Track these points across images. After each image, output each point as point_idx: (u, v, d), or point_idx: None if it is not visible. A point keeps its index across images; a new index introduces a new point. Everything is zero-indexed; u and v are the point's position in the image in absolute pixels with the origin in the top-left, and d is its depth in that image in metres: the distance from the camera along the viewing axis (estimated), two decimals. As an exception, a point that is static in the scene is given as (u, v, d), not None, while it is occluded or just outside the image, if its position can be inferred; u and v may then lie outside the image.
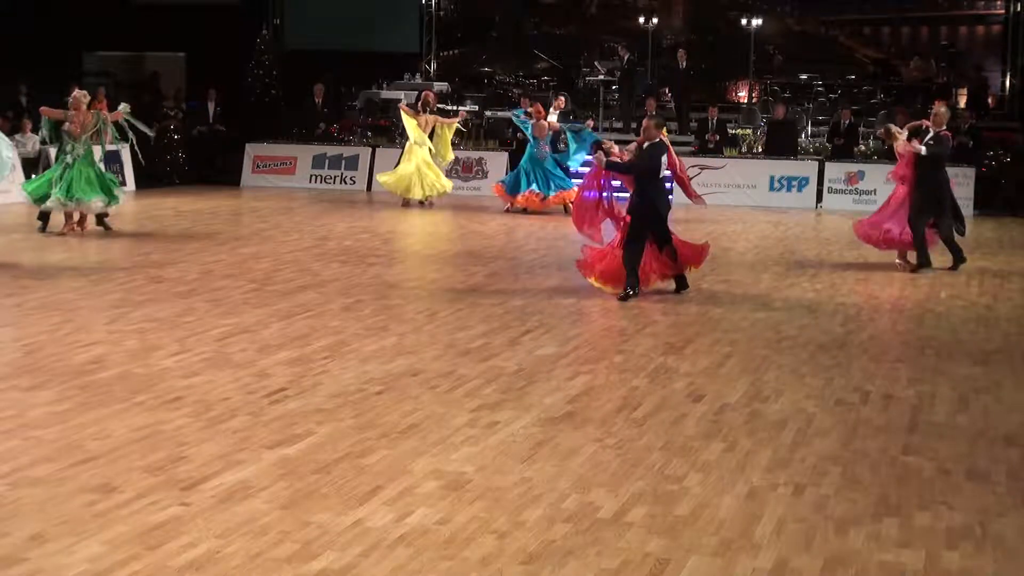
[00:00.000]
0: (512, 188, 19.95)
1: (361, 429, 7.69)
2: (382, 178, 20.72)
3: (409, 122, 20.35)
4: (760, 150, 23.02)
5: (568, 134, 19.77)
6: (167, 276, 13.21)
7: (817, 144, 23.29)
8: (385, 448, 7.31)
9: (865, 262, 15.45)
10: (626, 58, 25.24)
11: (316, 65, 24.97)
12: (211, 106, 24.24)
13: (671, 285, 12.77)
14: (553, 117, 20.51)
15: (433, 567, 5.61)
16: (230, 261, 14.26)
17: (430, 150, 20.44)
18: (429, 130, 20.40)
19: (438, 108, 21.42)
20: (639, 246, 12.33)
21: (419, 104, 20.71)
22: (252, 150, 23.42)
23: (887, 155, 21.86)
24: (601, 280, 12.54)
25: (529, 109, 20.35)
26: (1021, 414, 8.53)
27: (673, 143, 13.54)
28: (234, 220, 18.60)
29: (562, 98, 21.95)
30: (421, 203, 20.40)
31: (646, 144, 12.46)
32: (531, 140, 19.83)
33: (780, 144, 22.49)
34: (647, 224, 12.36)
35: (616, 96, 26.35)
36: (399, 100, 25.40)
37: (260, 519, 6.11)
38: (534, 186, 19.81)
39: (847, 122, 22.40)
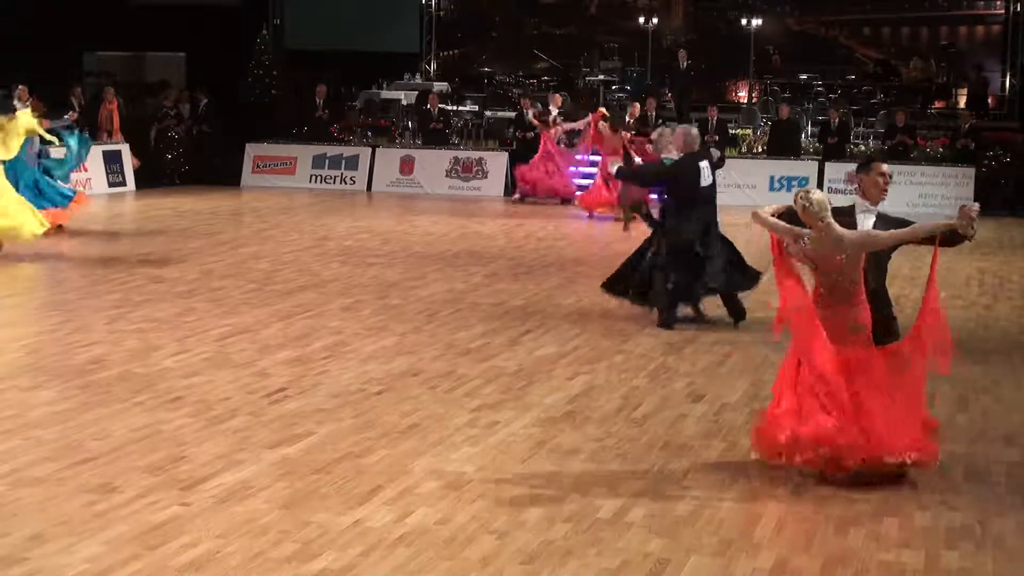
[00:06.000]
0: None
1: (361, 429, 7.69)
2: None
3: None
4: (761, 150, 23.02)
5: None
6: (167, 276, 13.19)
7: (817, 144, 23.28)
8: (385, 448, 7.31)
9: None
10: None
11: (316, 65, 24.94)
12: (186, 108, 24.00)
13: None
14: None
15: (433, 567, 5.61)
16: (230, 261, 14.25)
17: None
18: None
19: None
20: None
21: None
22: (252, 150, 23.37)
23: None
24: None
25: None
26: (1021, 414, 8.53)
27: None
28: (234, 220, 18.59)
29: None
30: None
31: None
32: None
33: (783, 144, 22.51)
34: None
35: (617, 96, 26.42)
36: (399, 100, 25.46)
37: (260, 519, 6.11)
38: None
39: (836, 121, 22.42)
